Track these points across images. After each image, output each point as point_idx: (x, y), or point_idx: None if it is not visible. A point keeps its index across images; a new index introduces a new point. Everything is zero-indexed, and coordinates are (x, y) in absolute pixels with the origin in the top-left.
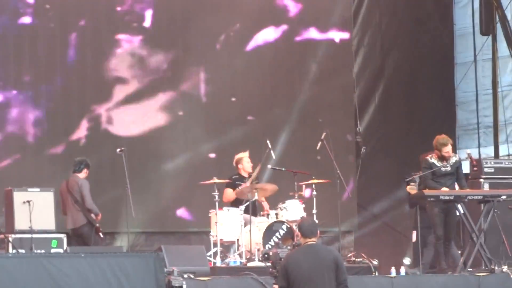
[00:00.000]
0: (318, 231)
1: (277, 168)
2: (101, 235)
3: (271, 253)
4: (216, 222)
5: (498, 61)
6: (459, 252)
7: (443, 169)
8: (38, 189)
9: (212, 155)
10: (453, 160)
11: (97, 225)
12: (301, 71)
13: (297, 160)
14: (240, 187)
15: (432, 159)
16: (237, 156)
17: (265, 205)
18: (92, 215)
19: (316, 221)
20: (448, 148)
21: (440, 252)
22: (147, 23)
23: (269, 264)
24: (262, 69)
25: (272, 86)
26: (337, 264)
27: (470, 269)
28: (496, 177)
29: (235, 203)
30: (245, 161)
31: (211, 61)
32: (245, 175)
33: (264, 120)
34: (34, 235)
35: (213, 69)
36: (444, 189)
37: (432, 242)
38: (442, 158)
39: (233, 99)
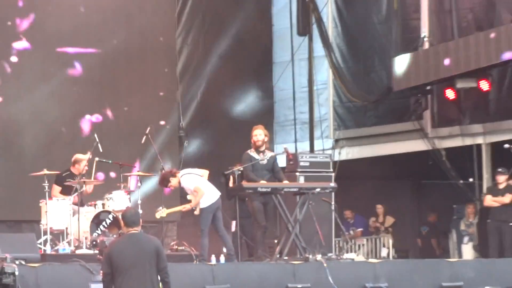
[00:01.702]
0: (141, 221)
1: (104, 160)
2: None
3: (98, 241)
4: (46, 212)
5: (314, 60)
6: (276, 241)
7: (260, 162)
8: None
9: (44, 148)
10: (268, 155)
11: None
12: (128, 68)
13: (125, 153)
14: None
15: (251, 152)
16: (78, 156)
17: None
18: None
19: (141, 211)
20: (258, 133)
21: (258, 240)
22: None
23: (96, 251)
24: (91, 76)
25: (102, 87)
26: (158, 252)
27: (286, 257)
28: (311, 170)
29: (65, 192)
30: (82, 164)
31: None
32: (76, 173)
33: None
34: None
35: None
36: (263, 181)
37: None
38: (259, 151)
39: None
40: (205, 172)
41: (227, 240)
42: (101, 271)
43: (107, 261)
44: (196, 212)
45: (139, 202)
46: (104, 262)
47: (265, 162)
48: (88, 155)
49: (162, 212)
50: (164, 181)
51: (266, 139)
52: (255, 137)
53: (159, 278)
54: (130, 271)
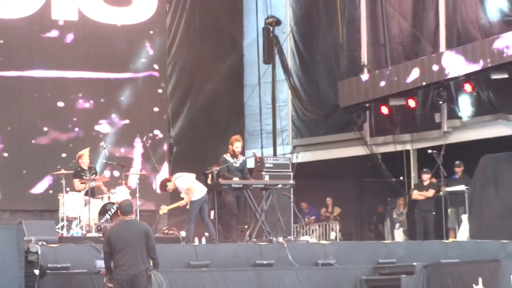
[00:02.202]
0: (134, 210)
1: (110, 162)
2: None
3: (102, 226)
4: (63, 203)
5: (276, 83)
6: (246, 226)
7: (234, 164)
8: None
9: (64, 155)
10: (241, 159)
11: None
12: (129, 89)
13: (127, 156)
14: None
15: (227, 156)
16: (79, 152)
17: (104, 189)
18: None
19: (139, 203)
20: (239, 145)
21: (232, 226)
22: None
23: (101, 234)
24: (99, 95)
25: (109, 104)
26: (147, 234)
27: (254, 240)
28: (274, 170)
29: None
30: (84, 157)
31: None
32: (85, 167)
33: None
34: None
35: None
36: (235, 179)
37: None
38: (233, 156)
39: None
40: (192, 175)
41: (210, 227)
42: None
43: (106, 243)
44: (189, 207)
45: (138, 195)
46: (104, 243)
47: (237, 165)
48: (88, 150)
49: (164, 209)
50: (162, 187)
51: (240, 147)
52: (236, 148)
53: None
54: (125, 249)
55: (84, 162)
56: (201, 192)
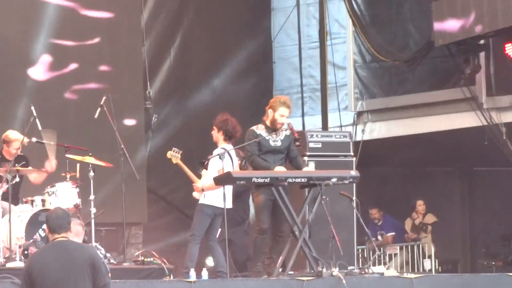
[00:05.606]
0: (72, 225)
1: (45, 141)
2: None
3: (29, 251)
4: None
5: (326, 4)
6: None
7: (272, 143)
8: None
9: None
10: (283, 134)
11: None
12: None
13: (74, 132)
14: None
15: (259, 130)
16: (10, 134)
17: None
18: None
19: (94, 210)
20: (286, 112)
21: (258, 249)
22: None
23: None
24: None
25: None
26: (94, 264)
27: (291, 272)
28: (324, 154)
29: None
30: (15, 144)
31: None
32: (9, 157)
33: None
34: None
35: None
36: (278, 168)
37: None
38: (270, 129)
39: None
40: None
41: (218, 253)
42: None
43: (26, 281)
44: (196, 195)
45: (92, 198)
46: (23, 282)
47: (279, 144)
48: (21, 135)
49: (176, 156)
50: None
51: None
52: (281, 117)
53: None
54: None
55: (11, 151)
56: (227, 201)
